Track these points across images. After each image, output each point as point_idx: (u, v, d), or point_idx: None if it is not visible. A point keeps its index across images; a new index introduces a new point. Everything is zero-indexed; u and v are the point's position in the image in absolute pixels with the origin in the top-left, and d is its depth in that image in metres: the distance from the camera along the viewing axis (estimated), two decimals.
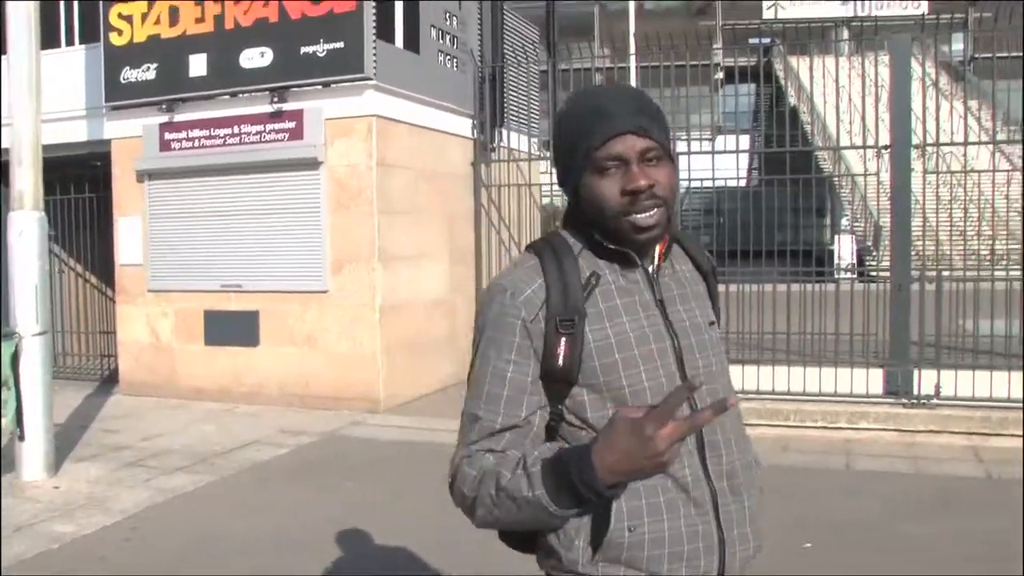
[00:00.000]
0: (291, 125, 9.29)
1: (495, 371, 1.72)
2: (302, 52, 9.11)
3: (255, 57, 9.31)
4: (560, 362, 1.68)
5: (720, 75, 25.06)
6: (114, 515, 6.01)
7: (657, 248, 1.79)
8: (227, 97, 9.57)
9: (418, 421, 8.74)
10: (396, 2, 9.38)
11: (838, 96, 9.95)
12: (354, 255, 9.16)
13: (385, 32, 9.17)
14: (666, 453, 1.47)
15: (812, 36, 27.09)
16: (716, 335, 1.86)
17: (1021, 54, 9.04)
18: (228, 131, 9.57)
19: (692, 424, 1.49)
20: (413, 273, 9.73)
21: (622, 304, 1.74)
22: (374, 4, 8.94)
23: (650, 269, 1.79)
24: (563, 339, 1.68)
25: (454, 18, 10.47)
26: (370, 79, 8.95)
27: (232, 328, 9.63)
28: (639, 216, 1.68)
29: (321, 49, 9.04)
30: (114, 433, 8.52)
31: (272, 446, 7.88)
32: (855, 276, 15.19)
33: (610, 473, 1.52)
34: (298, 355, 9.46)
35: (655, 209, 1.68)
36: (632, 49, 10.77)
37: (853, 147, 12.49)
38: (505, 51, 11.46)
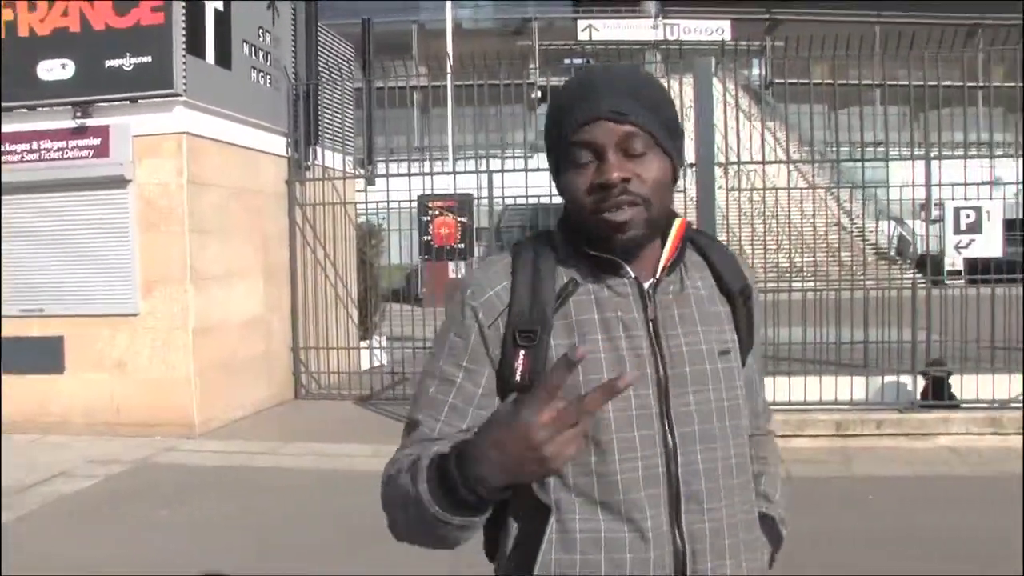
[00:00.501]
0: (96, 142, 8.92)
1: (443, 375, 1.52)
2: (107, 65, 8.77)
3: (55, 69, 8.89)
4: (517, 377, 1.46)
5: (537, 94, 25.55)
6: None
7: (664, 257, 1.56)
8: (24, 111, 9.10)
9: (234, 445, 8.54)
10: (207, 17, 9.16)
11: None
12: (165, 276, 8.88)
13: (195, 47, 8.94)
14: (547, 446, 1.20)
15: (623, 57, 27.95)
16: (733, 366, 1.58)
17: (809, 81, 9.63)
18: (26, 147, 9.09)
19: (579, 409, 1.21)
20: (227, 293, 9.51)
21: (600, 319, 1.50)
22: (184, 18, 8.71)
23: (647, 283, 1.53)
24: (522, 352, 1.47)
25: (267, 34, 10.32)
26: (180, 95, 8.70)
27: (34, 355, 9.14)
28: (609, 215, 1.45)
29: (128, 63, 8.73)
30: None
31: (81, 478, 7.52)
32: None
33: (490, 468, 1.27)
34: (108, 381, 9.07)
35: (628, 208, 1.45)
36: (449, 68, 10.87)
37: None
38: (320, 69, 11.38)
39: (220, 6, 9.32)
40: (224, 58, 9.47)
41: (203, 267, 9.05)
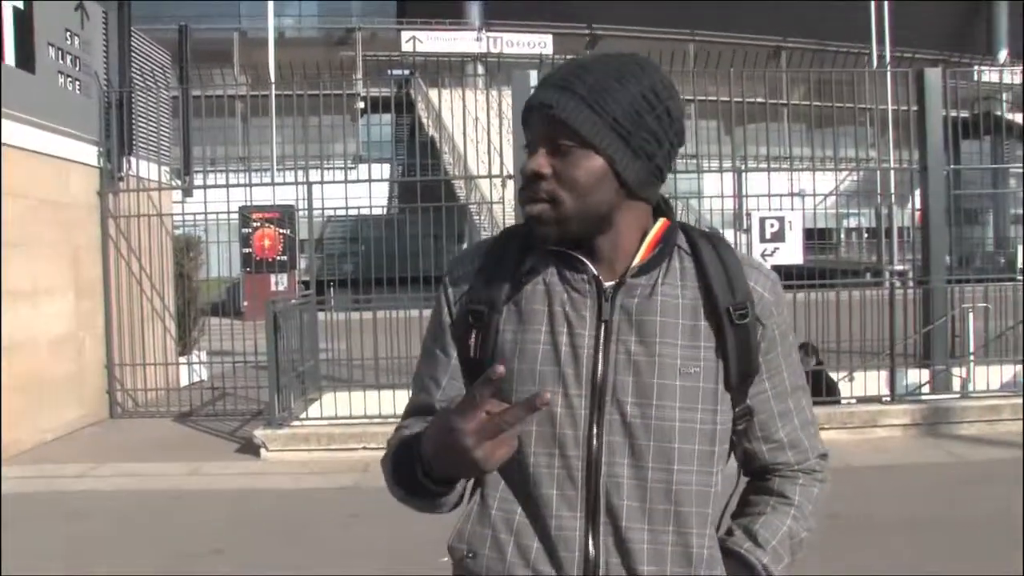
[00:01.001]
0: None
1: (425, 350, 1.62)
2: None
3: None
4: (472, 353, 1.51)
5: (360, 105, 25.40)
6: None
7: (639, 256, 1.48)
8: None
9: (40, 470, 8.12)
10: (3, 15, 8.64)
11: (466, 126, 10.49)
12: None
13: None
14: (476, 450, 1.24)
15: (444, 69, 28.20)
16: (698, 386, 1.45)
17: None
18: None
19: (500, 420, 1.23)
20: (34, 310, 9.03)
21: (548, 310, 1.46)
22: None
23: (608, 284, 1.46)
24: (473, 331, 1.51)
25: (76, 37, 9.87)
26: None
27: None
28: (525, 206, 1.45)
29: None
30: None
31: None
32: None
33: (436, 463, 1.35)
34: None
35: (538, 203, 1.43)
36: (271, 77, 10.70)
37: (480, 176, 13.19)
38: (134, 76, 10.97)
39: (20, 4, 8.82)
40: (26, 61, 8.98)
41: (8, 282, 8.55)
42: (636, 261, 1.47)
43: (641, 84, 1.42)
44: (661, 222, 1.52)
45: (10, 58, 8.71)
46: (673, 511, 1.44)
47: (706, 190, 13.46)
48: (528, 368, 1.44)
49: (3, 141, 8.55)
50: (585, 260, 1.47)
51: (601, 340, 1.44)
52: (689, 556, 1.44)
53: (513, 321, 1.48)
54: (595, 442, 1.42)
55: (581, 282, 1.47)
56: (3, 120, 8.51)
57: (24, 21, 8.91)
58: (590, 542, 1.42)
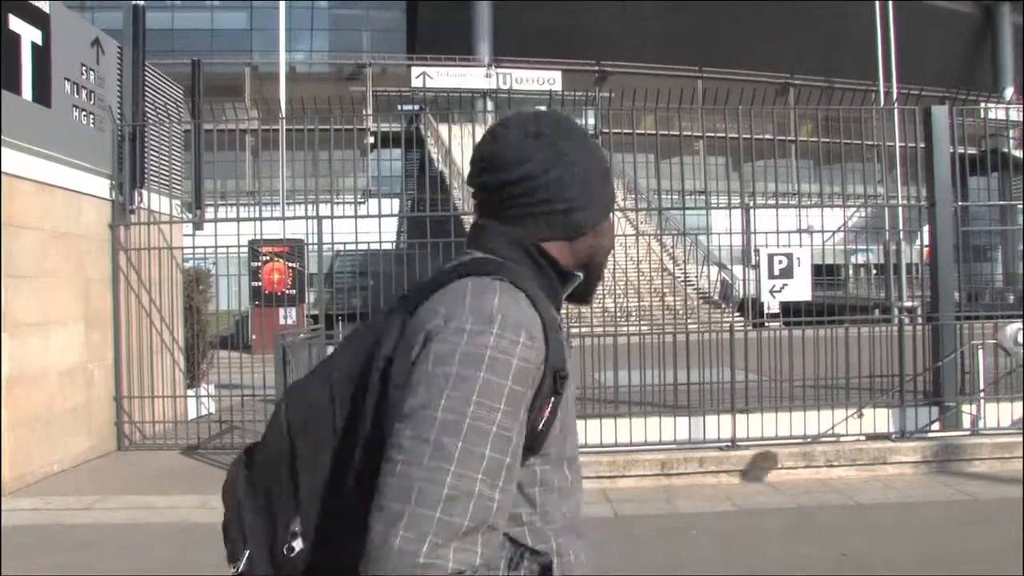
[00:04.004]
0: None
1: (501, 428, 1.28)
2: None
3: None
4: (541, 427, 1.35)
5: (370, 140, 25.56)
6: None
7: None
8: None
9: (49, 502, 8.12)
10: (23, 50, 8.79)
11: None
12: None
13: (11, 83, 8.56)
14: None
15: (454, 105, 28.39)
16: None
17: (634, 131, 10.00)
18: None
19: None
20: (43, 341, 9.06)
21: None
22: None
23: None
24: (552, 399, 1.36)
25: (91, 72, 9.99)
26: None
27: None
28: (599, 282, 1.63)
29: None
30: None
31: None
32: None
33: None
34: None
35: None
36: (282, 112, 10.78)
37: None
38: (147, 109, 11.07)
39: (38, 39, 8.97)
40: (43, 95, 9.10)
41: (17, 314, 8.60)
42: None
43: (494, 149, 1.54)
44: None
45: (27, 92, 8.82)
46: None
47: (714, 226, 13.50)
48: (569, 421, 1.46)
49: (18, 174, 8.63)
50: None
51: None
52: None
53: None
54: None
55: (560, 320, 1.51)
56: (17, 152, 8.60)
57: (42, 56, 9.03)
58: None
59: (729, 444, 8.65)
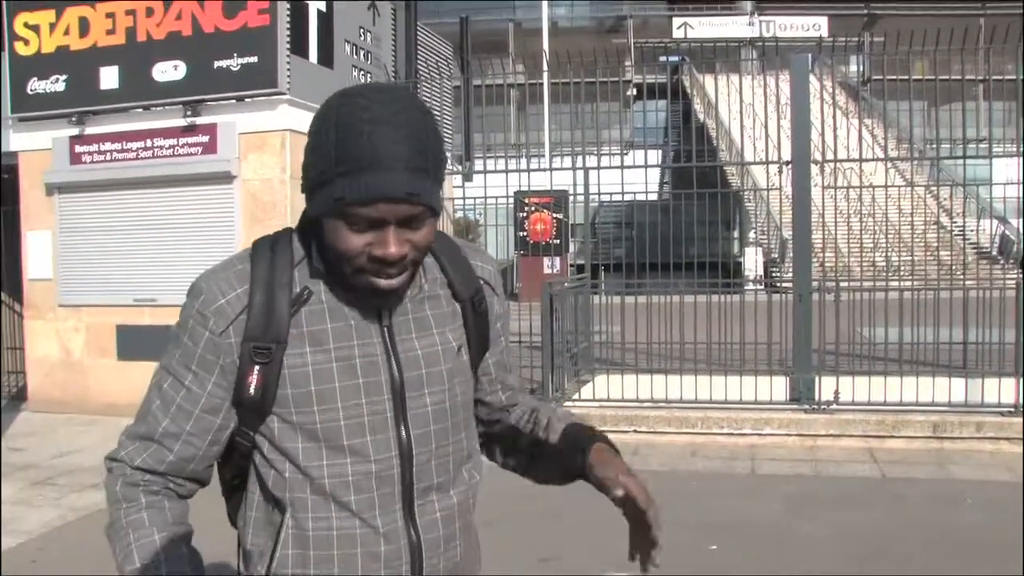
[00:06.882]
0: (205, 139, 9.26)
1: (175, 373, 1.52)
2: (216, 66, 9.10)
3: (168, 70, 9.27)
4: (252, 392, 1.47)
5: (632, 92, 25.48)
6: (19, 536, 5.77)
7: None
8: (140, 110, 9.50)
9: None
10: (310, 18, 9.42)
11: (742, 112, 10.31)
12: None
13: (299, 47, 9.21)
14: None
15: (719, 54, 27.76)
16: (465, 360, 1.64)
17: (909, 77, 9.44)
18: (141, 144, 9.49)
19: None
20: None
21: (332, 328, 1.49)
22: (288, 19, 8.98)
23: (383, 283, 1.45)
24: (256, 367, 1.46)
25: (368, 34, 10.55)
26: (283, 94, 8.98)
27: (146, 342, 9.48)
28: (380, 281, 1.43)
29: (235, 63, 9.04)
30: (21, 451, 8.31)
31: None
32: (761, 287, 15.56)
33: None
34: None
35: (402, 275, 1.45)
36: (545, 66, 10.95)
37: (756, 163, 12.91)
38: (419, 67, 11.57)
39: (323, 7, 9.58)
40: (327, 57, 9.72)
41: None
42: None
43: (436, 129, 1.44)
44: None
45: (313, 56, 9.46)
46: (464, 470, 1.63)
47: (996, 176, 12.57)
48: (327, 388, 1.47)
49: (303, 131, 9.24)
50: None
51: (388, 344, 1.52)
52: (471, 504, 1.65)
53: (296, 345, 1.47)
54: (405, 438, 1.51)
55: (358, 292, 1.49)
56: (304, 112, 9.24)
57: (326, 21, 9.64)
58: (411, 529, 1.52)
59: (1012, 410, 8.07)
